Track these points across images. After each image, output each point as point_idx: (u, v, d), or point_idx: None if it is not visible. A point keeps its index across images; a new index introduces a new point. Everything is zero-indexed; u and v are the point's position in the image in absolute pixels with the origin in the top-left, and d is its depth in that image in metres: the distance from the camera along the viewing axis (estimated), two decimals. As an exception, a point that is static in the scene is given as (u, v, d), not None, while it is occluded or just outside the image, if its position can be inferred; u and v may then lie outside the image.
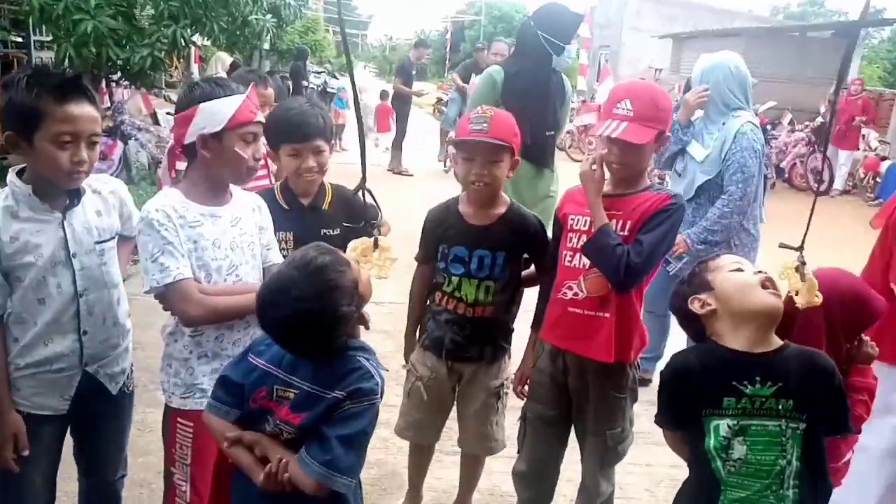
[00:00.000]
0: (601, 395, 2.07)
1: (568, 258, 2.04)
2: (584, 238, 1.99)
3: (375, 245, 1.88)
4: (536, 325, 2.21)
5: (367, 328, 1.57)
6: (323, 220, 2.21)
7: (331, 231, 2.20)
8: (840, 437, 1.97)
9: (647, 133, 1.93)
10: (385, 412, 2.48)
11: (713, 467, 1.53)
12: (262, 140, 1.89)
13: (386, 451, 2.90)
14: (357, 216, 2.24)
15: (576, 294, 2.02)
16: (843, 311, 1.92)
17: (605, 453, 2.11)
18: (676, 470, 1.69)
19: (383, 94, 11.06)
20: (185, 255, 1.71)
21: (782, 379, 1.51)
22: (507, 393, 2.34)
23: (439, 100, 16.00)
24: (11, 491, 1.78)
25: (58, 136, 1.61)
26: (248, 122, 1.77)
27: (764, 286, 1.57)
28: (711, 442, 1.52)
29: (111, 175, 7.10)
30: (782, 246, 1.95)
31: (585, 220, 2.00)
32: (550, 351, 2.13)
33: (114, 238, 1.84)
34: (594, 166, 1.95)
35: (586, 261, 1.99)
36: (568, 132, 12.26)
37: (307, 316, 1.39)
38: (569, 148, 12.35)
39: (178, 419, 1.83)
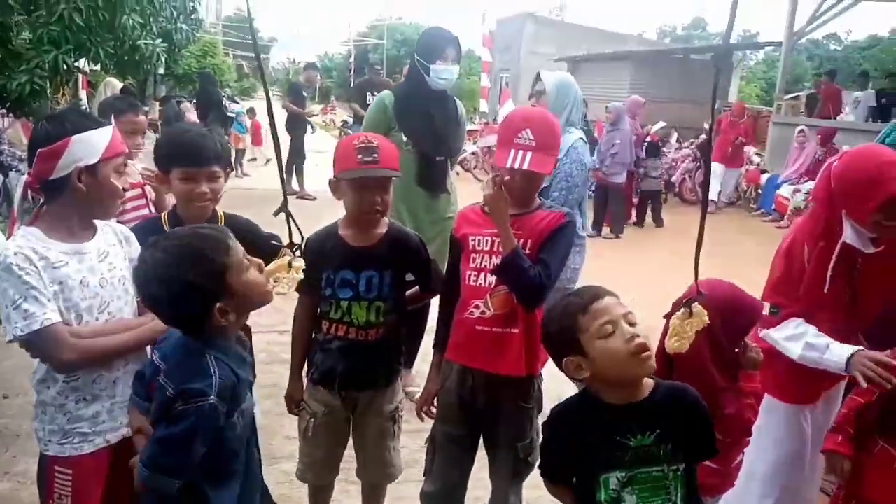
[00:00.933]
0: (511, 408, 2.12)
1: (472, 278, 2.08)
2: (487, 258, 2.05)
3: (289, 265, 1.91)
4: (440, 345, 2.23)
5: (238, 330, 1.57)
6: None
7: None
8: (731, 441, 2.08)
9: (550, 162, 2.05)
10: (289, 445, 2.44)
11: None
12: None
13: (290, 485, 2.82)
14: (254, 245, 2.19)
15: (483, 313, 2.08)
16: (722, 319, 2.03)
17: (517, 465, 2.15)
18: None
19: (251, 112, 12.94)
20: (51, 298, 1.62)
21: (659, 425, 1.55)
22: (401, 416, 2.34)
23: (344, 122, 15.98)
24: None
25: None
26: (121, 153, 1.77)
27: (638, 352, 1.51)
28: (602, 495, 1.54)
29: (-10, 208, 6.64)
30: (686, 304, 1.89)
31: (487, 240, 2.07)
32: (458, 370, 2.15)
33: None
34: (496, 189, 1.99)
35: (491, 279, 2.05)
36: (472, 153, 12.48)
37: (160, 270, 1.40)
38: (474, 168, 12.59)
39: (56, 467, 1.73)
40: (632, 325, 1.54)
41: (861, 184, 2.04)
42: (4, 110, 6.44)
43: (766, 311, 2.23)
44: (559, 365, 1.62)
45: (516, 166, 1.99)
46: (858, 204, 2.05)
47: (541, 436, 2.16)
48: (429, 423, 3.48)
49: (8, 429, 3.06)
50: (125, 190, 1.79)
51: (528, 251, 2.03)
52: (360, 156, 2.05)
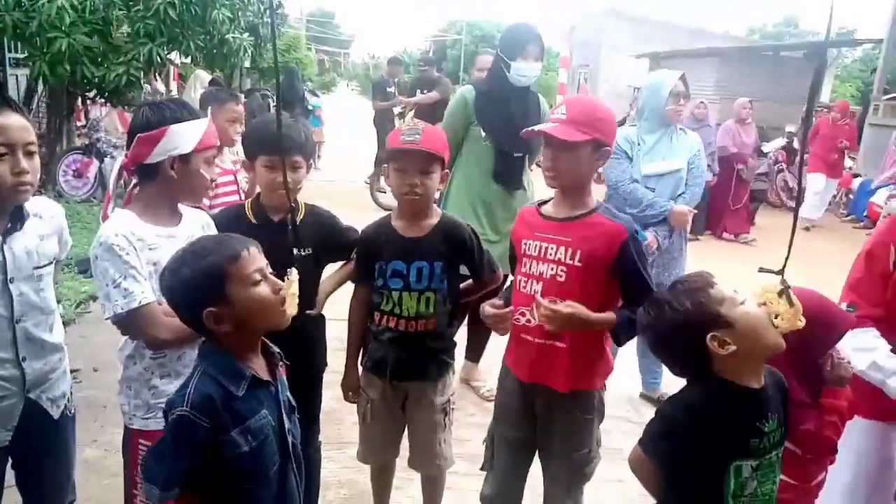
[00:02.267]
0: (568, 418, 2.04)
1: (522, 283, 2.01)
2: (535, 264, 1.98)
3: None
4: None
5: (252, 346, 1.52)
6: (294, 237, 2.18)
7: (301, 250, 2.14)
8: (811, 458, 1.98)
9: (576, 134, 1.89)
10: (355, 431, 2.50)
11: None
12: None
13: (357, 470, 2.87)
14: (332, 239, 2.25)
15: (528, 321, 1.99)
16: (804, 330, 1.93)
17: (571, 475, 2.09)
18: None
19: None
20: (147, 278, 1.70)
21: (776, 409, 1.53)
22: (453, 409, 2.35)
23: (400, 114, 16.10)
24: None
25: None
26: (213, 146, 1.83)
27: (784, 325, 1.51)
28: (731, 486, 1.49)
29: (87, 193, 7.08)
30: (762, 270, 1.81)
31: (536, 245, 1.98)
32: (505, 374, 2.12)
33: (51, 263, 1.81)
34: (558, 307, 1.83)
35: (537, 287, 1.96)
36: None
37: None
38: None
39: (140, 440, 1.81)
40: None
41: None
42: (102, 100, 6.80)
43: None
44: (685, 356, 1.55)
45: (537, 129, 1.97)
46: None
47: (601, 444, 2.12)
48: (491, 416, 3.50)
49: (98, 400, 3.24)
50: (213, 180, 1.86)
51: (575, 262, 1.91)
52: (403, 136, 2.10)
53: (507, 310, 2.06)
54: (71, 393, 1.94)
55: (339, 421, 3.21)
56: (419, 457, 2.35)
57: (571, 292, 1.92)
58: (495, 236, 3.41)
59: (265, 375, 1.50)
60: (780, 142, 10.40)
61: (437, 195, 2.35)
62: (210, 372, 1.41)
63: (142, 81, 6.29)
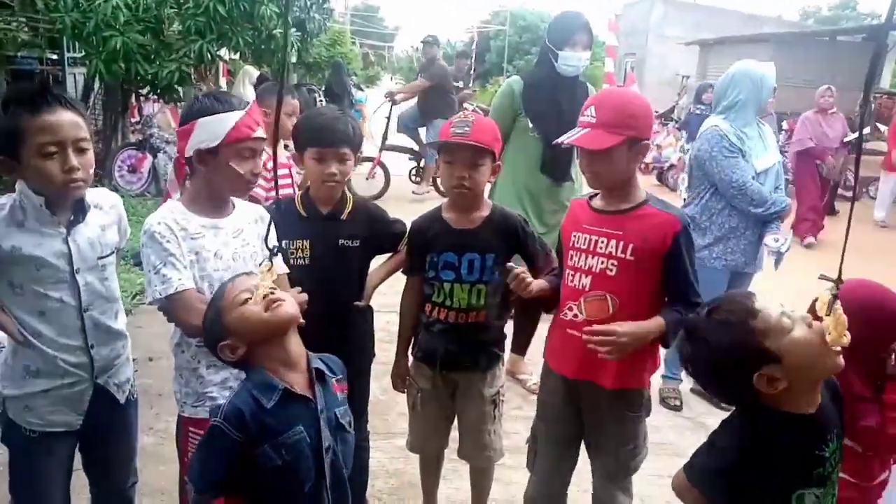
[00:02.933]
0: (615, 415, 2.02)
1: (570, 277, 1.99)
2: (584, 257, 1.96)
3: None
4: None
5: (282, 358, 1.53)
6: (341, 230, 2.19)
7: (349, 242, 2.18)
8: (873, 456, 1.91)
9: (607, 139, 1.85)
10: (404, 421, 2.51)
11: None
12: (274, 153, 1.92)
13: (405, 460, 2.90)
14: (380, 231, 2.27)
15: (575, 316, 1.96)
16: (863, 322, 1.85)
17: (618, 470, 2.08)
18: None
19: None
20: (188, 266, 1.74)
21: (835, 426, 1.44)
22: (503, 401, 2.34)
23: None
24: None
25: (41, 148, 1.60)
26: (245, 139, 1.78)
27: (832, 343, 1.36)
28: None
29: (142, 188, 7.27)
30: (822, 278, 1.60)
31: (586, 238, 1.96)
32: (547, 371, 2.10)
33: (114, 253, 1.86)
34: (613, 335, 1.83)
35: (586, 281, 1.94)
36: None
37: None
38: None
39: (190, 428, 1.86)
40: (793, 312, 1.40)
41: None
42: (155, 96, 6.98)
43: None
44: (733, 390, 1.44)
45: (563, 142, 1.94)
46: None
47: (648, 438, 2.09)
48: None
49: (153, 388, 3.34)
50: (255, 174, 1.83)
51: (626, 255, 1.89)
52: (452, 128, 2.09)
53: (520, 269, 2.01)
54: (134, 378, 2.01)
55: (387, 412, 3.24)
56: (469, 447, 2.35)
57: (620, 286, 1.91)
58: (542, 228, 3.39)
59: (302, 390, 1.50)
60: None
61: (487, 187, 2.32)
62: (248, 386, 1.48)
63: (193, 78, 6.42)
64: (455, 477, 2.70)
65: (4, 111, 1.61)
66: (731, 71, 3.36)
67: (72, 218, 1.74)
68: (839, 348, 1.34)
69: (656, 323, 1.87)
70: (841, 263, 1.66)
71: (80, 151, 1.66)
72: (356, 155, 2.22)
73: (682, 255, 1.90)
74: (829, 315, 1.40)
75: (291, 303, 1.52)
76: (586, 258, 1.95)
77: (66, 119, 1.64)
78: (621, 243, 1.90)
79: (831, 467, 1.42)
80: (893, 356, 1.85)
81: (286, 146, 3.05)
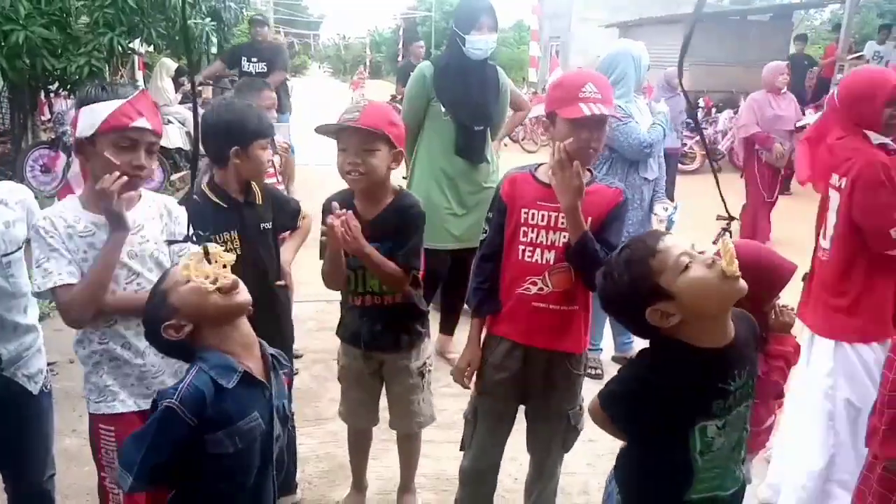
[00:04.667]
0: (566, 376, 2.10)
1: (527, 254, 2.01)
2: (544, 233, 1.99)
3: (206, 255, 1.51)
4: (479, 312, 2.13)
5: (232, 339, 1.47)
6: (259, 214, 2.26)
7: (267, 224, 2.27)
8: (760, 402, 2.08)
9: (613, 109, 2.03)
10: (334, 407, 2.55)
11: (692, 464, 1.48)
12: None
13: (335, 444, 2.94)
14: (282, 209, 2.37)
15: (541, 289, 2.01)
16: (751, 281, 2.01)
17: (567, 433, 2.16)
18: (617, 444, 1.69)
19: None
20: (73, 261, 1.72)
21: (748, 362, 1.48)
22: (430, 370, 2.41)
23: (393, 97, 15.96)
24: None
25: None
26: (120, 128, 1.70)
27: (726, 273, 1.39)
28: (697, 445, 1.47)
29: (56, 188, 6.99)
30: (720, 218, 1.92)
31: (544, 215, 1.99)
32: (508, 345, 2.09)
33: (20, 248, 1.84)
34: (565, 171, 1.86)
35: (549, 256, 1.99)
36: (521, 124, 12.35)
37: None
38: (522, 140, 12.47)
39: (100, 424, 1.86)
40: (700, 252, 1.43)
41: (864, 89, 2.34)
42: (66, 92, 6.72)
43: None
44: (636, 324, 1.49)
45: (597, 112, 1.92)
46: (868, 107, 2.31)
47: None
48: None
49: (74, 390, 3.26)
50: (135, 167, 1.73)
51: (586, 227, 1.97)
52: (343, 113, 2.14)
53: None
54: (48, 371, 1.99)
55: (317, 399, 3.28)
56: (397, 415, 2.42)
57: None
58: (461, 210, 3.46)
59: (260, 376, 1.47)
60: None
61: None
62: (204, 367, 1.40)
63: (105, 72, 6.20)
64: (384, 455, 2.76)
65: None
66: (612, 52, 3.54)
67: None
68: (737, 276, 1.39)
69: (583, 223, 1.91)
70: (724, 201, 1.82)
71: None
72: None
73: (615, 217, 2.02)
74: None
75: (243, 288, 1.46)
76: (547, 234, 1.99)
77: None
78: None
79: (735, 401, 1.45)
80: (774, 311, 2.01)
81: None
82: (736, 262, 1.43)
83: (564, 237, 1.99)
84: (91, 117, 1.70)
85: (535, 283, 2.02)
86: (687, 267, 1.40)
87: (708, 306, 1.41)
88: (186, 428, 1.34)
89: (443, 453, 2.85)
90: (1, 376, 1.82)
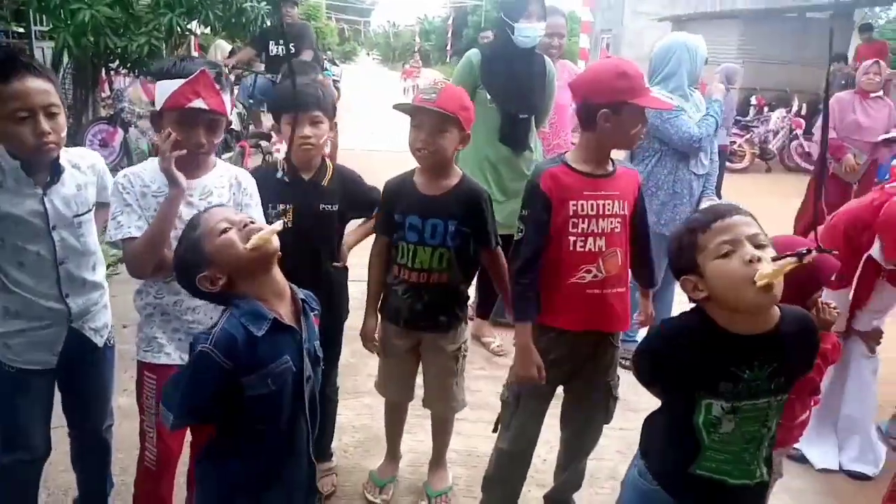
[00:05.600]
0: (610, 352, 2.21)
1: (580, 244, 2.06)
2: (594, 222, 2.04)
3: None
4: (529, 313, 2.10)
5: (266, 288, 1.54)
6: (321, 194, 2.30)
7: (329, 206, 2.31)
8: (795, 399, 2.09)
9: None
10: (371, 382, 2.64)
11: (697, 435, 1.53)
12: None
13: (371, 417, 3.05)
14: (355, 195, 2.39)
15: (595, 276, 2.07)
16: (791, 277, 2.02)
17: (609, 402, 2.24)
18: None
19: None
20: (143, 217, 1.86)
21: (779, 358, 1.47)
22: (464, 356, 2.47)
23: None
24: (14, 441, 1.95)
25: (12, 114, 1.70)
26: (177, 107, 1.81)
27: (754, 278, 1.38)
28: (701, 418, 1.51)
29: (113, 162, 7.26)
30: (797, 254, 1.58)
31: (592, 205, 2.05)
32: (555, 332, 2.13)
33: (90, 210, 1.97)
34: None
35: (601, 243, 2.05)
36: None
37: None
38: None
39: (145, 371, 1.99)
40: (758, 247, 1.42)
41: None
42: (126, 70, 6.94)
43: None
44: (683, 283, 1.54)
45: (670, 104, 2.17)
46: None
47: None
48: (502, 370, 3.62)
49: (127, 353, 3.41)
50: (196, 144, 1.85)
51: (625, 212, 2.10)
52: (421, 94, 2.24)
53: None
54: (112, 325, 2.13)
55: (356, 373, 3.38)
56: (432, 397, 2.50)
57: (622, 239, 2.12)
58: (502, 197, 3.51)
59: (290, 321, 1.54)
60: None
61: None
62: (236, 314, 1.47)
63: (163, 51, 6.40)
64: (419, 430, 2.84)
65: None
66: (667, 43, 3.49)
67: (48, 179, 1.84)
68: (766, 286, 1.37)
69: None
70: (815, 226, 1.78)
71: (51, 116, 1.75)
72: (331, 120, 2.33)
73: (642, 202, 2.21)
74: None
75: (272, 235, 1.52)
76: (598, 222, 2.06)
77: (36, 86, 1.72)
78: (622, 202, 2.10)
79: (749, 392, 1.47)
80: (815, 308, 2.01)
81: None
82: (775, 279, 1.40)
83: (611, 223, 2.07)
84: (161, 93, 1.83)
85: (589, 271, 2.07)
86: (726, 255, 1.42)
87: (729, 298, 1.44)
88: (221, 370, 1.42)
89: (475, 431, 2.93)
90: (70, 328, 1.95)
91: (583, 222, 2.05)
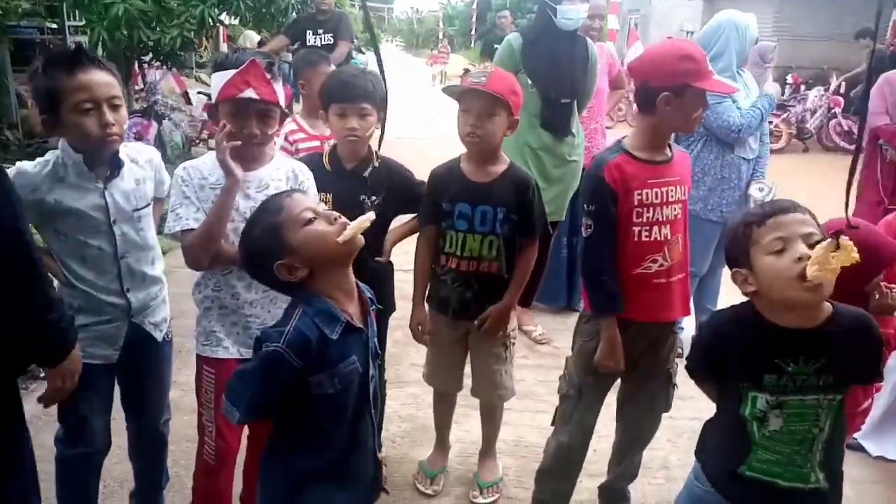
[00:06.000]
0: (670, 338, 2.18)
1: (644, 234, 2.02)
2: (660, 210, 2.01)
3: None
4: (613, 309, 2.05)
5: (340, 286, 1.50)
6: (363, 186, 2.27)
7: (371, 198, 2.27)
8: (860, 386, 2.03)
9: None
10: (414, 371, 2.64)
11: (748, 432, 1.53)
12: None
13: (416, 407, 3.04)
14: (401, 188, 2.34)
15: (661, 266, 2.04)
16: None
17: (669, 390, 2.21)
18: (698, 423, 1.74)
19: None
20: (201, 209, 1.87)
21: (827, 355, 1.46)
22: (513, 343, 2.44)
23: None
24: (76, 434, 1.97)
25: (78, 105, 1.72)
26: (230, 98, 1.82)
27: (803, 277, 1.40)
28: (747, 410, 1.52)
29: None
30: (833, 235, 1.56)
31: (656, 193, 2.01)
32: (621, 324, 2.08)
33: (149, 205, 1.98)
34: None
35: (666, 231, 2.02)
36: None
37: (242, 238, 1.56)
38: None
39: (204, 366, 1.99)
40: (811, 246, 1.42)
41: None
42: (158, 63, 7.00)
43: None
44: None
45: (732, 88, 2.15)
46: None
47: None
48: (545, 358, 3.58)
49: (176, 345, 3.44)
50: (250, 135, 1.85)
51: (685, 195, 2.08)
52: (470, 76, 2.23)
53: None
54: (170, 320, 2.14)
55: (398, 363, 3.38)
56: (481, 386, 2.47)
57: (682, 224, 2.09)
58: (545, 183, 3.45)
59: (359, 322, 1.51)
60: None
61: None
62: (309, 312, 1.43)
63: (195, 43, 6.44)
64: (466, 420, 2.83)
65: (44, 74, 1.73)
66: (718, 20, 3.37)
67: (108, 173, 1.86)
68: (816, 285, 1.39)
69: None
70: (846, 208, 1.74)
71: (114, 108, 1.78)
72: (379, 112, 2.29)
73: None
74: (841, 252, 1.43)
75: (363, 228, 1.48)
76: (662, 210, 2.02)
77: (100, 78, 1.75)
78: (683, 187, 2.07)
79: (795, 386, 1.46)
80: (877, 291, 1.95)
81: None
82: (824, 273, 1.39)
83: (674, 209, 2.04)
84: (216, 84, 1.85)
85: (655, 261, 2.04)
86: (779, 252, 1.43)
87: (776, 295, 1.46)
88: (292, 370, 1.39)
89: (521, 421, 2.91)
90: (130, 323, 1.97)
91: (648, 211, 2.01)
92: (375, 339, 1.60)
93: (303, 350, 1.40)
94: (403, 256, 2.43)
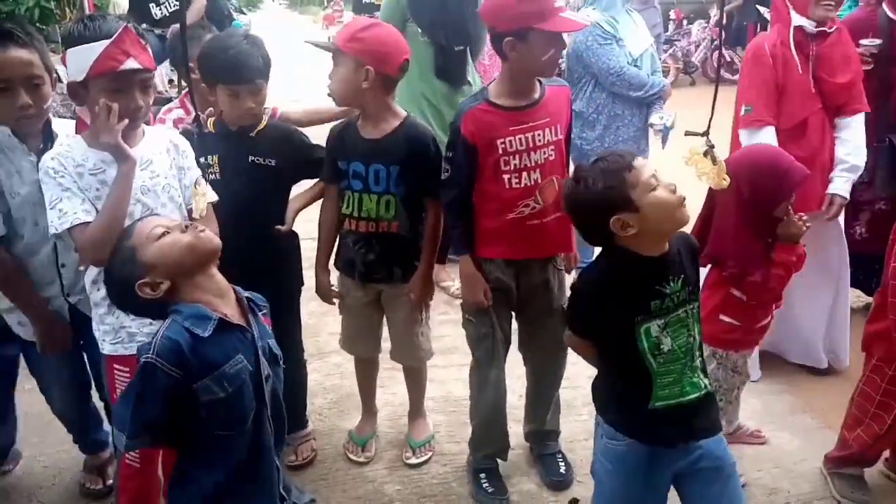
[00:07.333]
0: (555, 277, 2.20)
1: (515, 181, 2.02)
2: (526, 156, 2.00)
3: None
4: (465, 247, 2.14)
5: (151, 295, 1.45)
6: (251, 146, 2.16)
7: (261, 160, 2.16)
8: (756, 304, 2.14)
9: None
10: (334, 341, 2.57)
11: (646, 364, 1.61)
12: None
13: (340, 376, 2.99)
14: (297, 153, 2.25)
15: (534, 209, 2.05)
16: (751, 182, 2.03)
17: (561, 324, 2.18)
18: None
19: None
20: (87, 199, 1.69)
21: (683, 270, 1.64)
22: (429, 304, 2.41)
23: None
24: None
25: None
26: (110, 72, 1.65)
27: (682, 202, 1.58)
28: (645, 343, 1.60)
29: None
30: (688, 133, 2.06)
31: (520, 139, 1.99)
32: (500, 263, 2.14)
33: None
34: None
35: (537, 175, 2.02)
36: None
37: (104, 278, 1.56)
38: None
39: (115, 365, 1.85)
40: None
41: None
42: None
43: (742, 111, 2.60)
44: (596, 231, 1.62)
45: (582, 24, 2.12)
46: None
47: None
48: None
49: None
50: (133, 109, 1.70)
51: (559, 135, 2.05)
52: None
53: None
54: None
55: (316, 334, 3.29)
56: (399, 349, 2.44)
57: (557, 164, 2.08)
58: (445, 135, 3.38)
59: (237, 321, 1.47)
60: None
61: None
62: (178, 319, 1.40)
63: (57, 14, 5.90)
64: (392, 383, 2.80)
65: None
66: None
67: (41, 146, 1.82)
68: (686, 210, 1.58)
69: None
70: (710, 122, 1.92)
71: (33, 87, 1.76)
72: (267, 81, 2.18)
73: (571, 114, 2.20)
74: (710, 163, 1.72)
75: (212, 232, 1.49)
76: (530, 155, 2.01)
77: (15, 57, 1.72)
78: (553, 127, 2.04)
79: (673, 303, 1.61)
80: (785, 217, 2.04)
81: None
82: (727, 179, 1.70)
83: (544, 153, 2.04)
84: (79, 60, 1.65)
85: (527, 205, 2.06)
86: (654, 188, 1.55)
87: (663, 225, 1.58)
88: (170, 379, 1.34)
89: (448, 376, 2.91)
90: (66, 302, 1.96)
91: (514, 158, 2.01)
92: (271, 341, 1.55)
93: (176, 356, 1.35)
94: (309, 224, 2.33)
